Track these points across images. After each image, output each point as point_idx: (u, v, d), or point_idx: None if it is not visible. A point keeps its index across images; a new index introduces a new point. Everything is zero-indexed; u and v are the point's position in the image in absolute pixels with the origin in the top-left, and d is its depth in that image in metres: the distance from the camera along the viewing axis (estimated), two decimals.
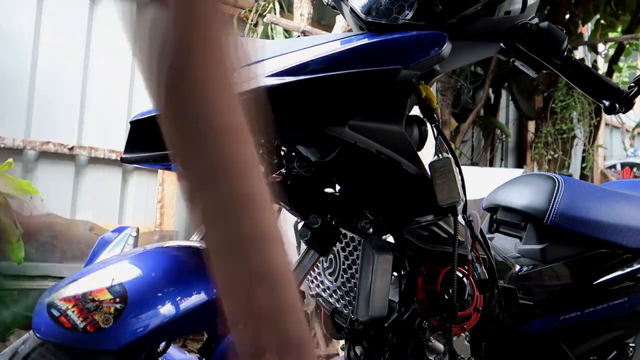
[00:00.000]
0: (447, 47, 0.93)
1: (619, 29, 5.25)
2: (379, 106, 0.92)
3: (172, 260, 0.88)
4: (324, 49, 0.88)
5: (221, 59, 0.42)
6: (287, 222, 1.23)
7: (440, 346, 1.06)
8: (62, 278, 0.84)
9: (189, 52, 0.40)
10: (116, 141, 3.03)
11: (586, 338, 1.32)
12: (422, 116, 1.01)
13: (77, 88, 3.02)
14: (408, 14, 0.96)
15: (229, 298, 0.45)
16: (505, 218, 1.44)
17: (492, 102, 5.27)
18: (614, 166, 6.48)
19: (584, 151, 5.20)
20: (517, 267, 1.25)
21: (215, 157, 0.41)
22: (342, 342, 1.21)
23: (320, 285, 1.14)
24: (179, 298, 0.80)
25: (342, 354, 1.18)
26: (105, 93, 3.10)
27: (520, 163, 5.74)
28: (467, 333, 1.09)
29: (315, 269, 1.14)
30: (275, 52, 0.92)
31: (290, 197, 0.97)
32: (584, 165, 5.25)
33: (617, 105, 0.98)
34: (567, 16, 4.78)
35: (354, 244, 1.03)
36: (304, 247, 0.94)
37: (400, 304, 1.04)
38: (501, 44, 1.05)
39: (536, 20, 1.05)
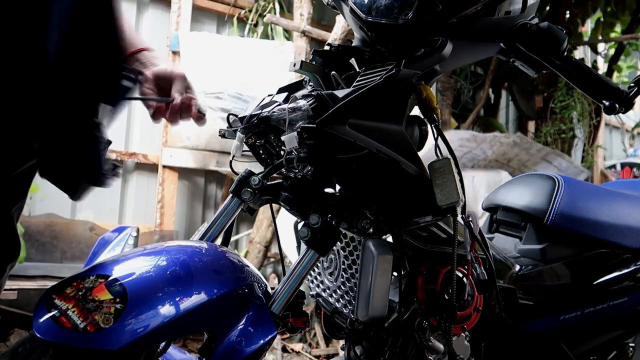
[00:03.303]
0: (447, 48, 0.93)
1: (619, 29, 5.25)
2: (379, 105, 0.92)
3: (172, 260, 0.87)
4: None
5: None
6: (287, 222, 1.23)
7: (440, 346, 1.06)
8: (62, 278, 0.84)
9: None
10: (116, 141, 3.03)
11: (586, 338, 1.32)
12: (422, 116, 1.01)
13: None
14: (408, 14, 0.96)
15: None
16: (505, 218, 1.44)
17: (492, 102, 5.26)
18: (614, 166, 6.48)
19: (583, 151, 5.20)
20: (517, 267, 1.25)
21: None
22: (342, 342, 1.21)
23: (320, 285, 1.14)
24: (179, 298, 0.80)
25: (342, 354, 1.18)
26: None
27: None
28: (467, 333, 1.09)
29: (315, 269, 1.14)
30: None
31: (290, 197, 0.97)
32: (583, 165, 5.25)
33: (617, 106, 0.97)
34: (567, 16, 4.78)
35: (354, 244, 1.03)
36: (304, 247, 0.94)
37: (400, 304, 1.04)
38: (501, 44, 1.05)
39: (536, 20, 1.05)
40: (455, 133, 3.47)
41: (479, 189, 2.88)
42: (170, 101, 1.03)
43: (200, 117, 1.08)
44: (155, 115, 1.06)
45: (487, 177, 2.98)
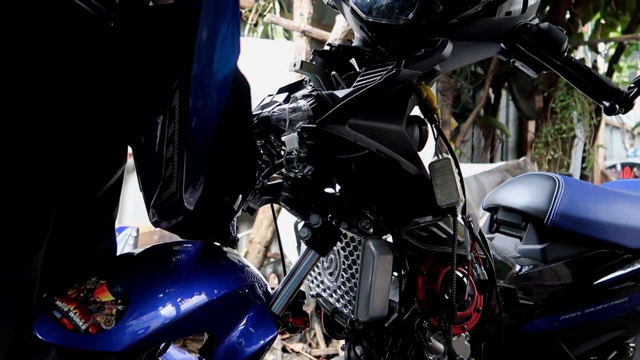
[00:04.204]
0: (448, 48, 0.93)
1: (619, 29, 5.25)
2: (379, 106, 0.92)
3: (173, 260, 0.88)
4: None
5: None
6: (287, 222, 1.23)
7: (440, 346, 1.06)
8: None
9: None
10: None
11: (586, 338, 1.32)
12: (422, 116, 1.01)
13: None
14: (409, 14, 0.96)
15: None
16: (505, 218, 1.44)
17: (492, 102, 5.26)
18: (614, 166, 6.49)
19: (584, 151, 5.20)
20: (517, 267, 1.25)
21: None
22: (342, 342, 1.21)
23: (320, 285, 1.14)
24: (180, 299, 0.80)
25: (342, 354, 1.18)
26: None
27: None
28: (467, 333, 1.09)
29: (315, 269, 1.14)
30: None
31: (290, 197, 0.97)
32: (584, 165, 5.25)
33: (617, 106, 0.98)
34: (567, 16, 4.78)
35: (354, 244, 1.03)
36: (304, 247, 0.94)
37: (400, 304, 1.05)
38: (502, 45, 1.05)
39: (536, 21, 1.05)
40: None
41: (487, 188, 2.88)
42: None
43: None
44: None
45: (489, 178, 2.98)
